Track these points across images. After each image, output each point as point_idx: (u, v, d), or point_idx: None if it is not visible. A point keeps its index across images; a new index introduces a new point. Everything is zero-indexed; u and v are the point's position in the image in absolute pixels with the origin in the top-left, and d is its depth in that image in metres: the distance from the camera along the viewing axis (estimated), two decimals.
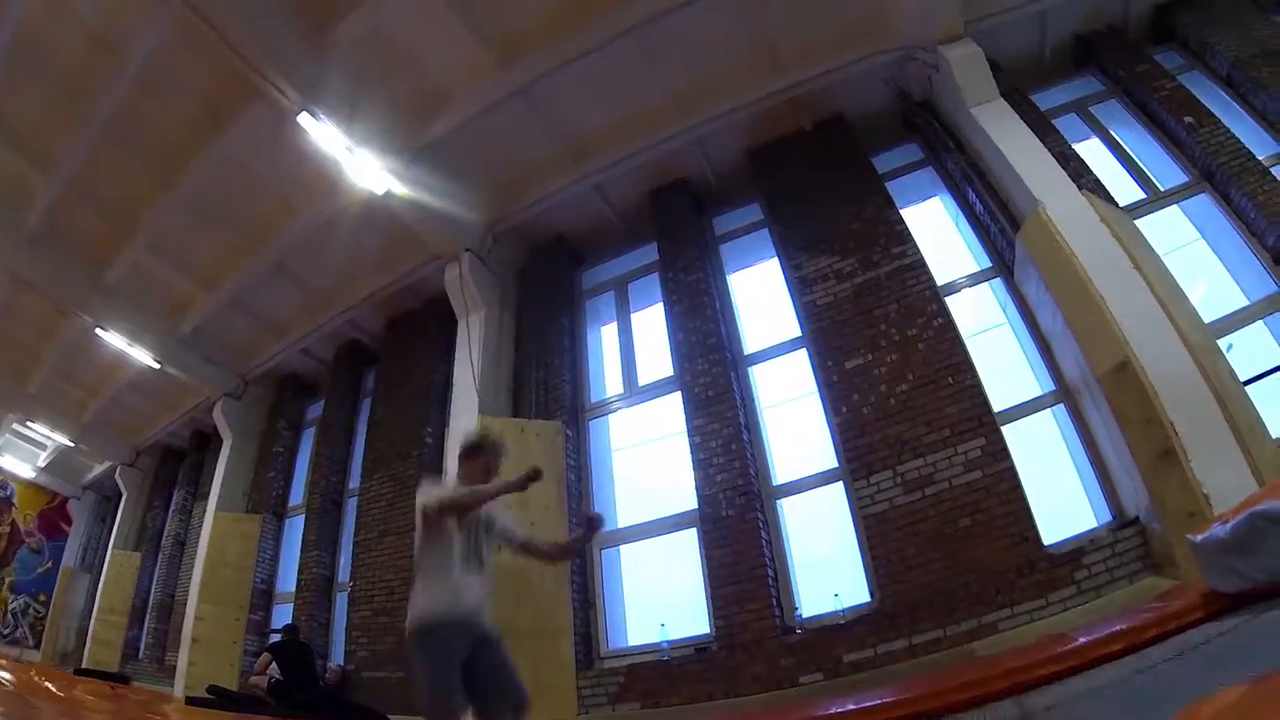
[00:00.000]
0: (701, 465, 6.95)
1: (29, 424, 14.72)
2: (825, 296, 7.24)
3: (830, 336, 7.03)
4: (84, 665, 12.49)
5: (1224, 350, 5.71)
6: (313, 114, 7.11)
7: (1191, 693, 2.41)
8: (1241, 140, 6.85)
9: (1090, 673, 3.41)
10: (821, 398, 6.96)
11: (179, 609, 11.43)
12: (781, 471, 6.99)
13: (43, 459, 16.75)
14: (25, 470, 16.82)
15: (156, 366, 11.45)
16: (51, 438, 15.25)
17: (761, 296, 8.22)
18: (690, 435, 7.19)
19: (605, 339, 9.15)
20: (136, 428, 14.87)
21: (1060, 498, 5.94)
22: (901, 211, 7.47)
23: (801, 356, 7.41)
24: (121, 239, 9.83)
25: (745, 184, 8.81)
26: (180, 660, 9.97)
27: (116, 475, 15.52)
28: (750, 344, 7.90)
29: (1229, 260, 6.68)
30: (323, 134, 7.28)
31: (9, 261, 9.87)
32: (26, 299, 10.81)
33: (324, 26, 7.08)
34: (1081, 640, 3.80)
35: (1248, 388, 5.43)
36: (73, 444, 15.01)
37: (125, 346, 10.99)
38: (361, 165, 7.61)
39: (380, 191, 7.91)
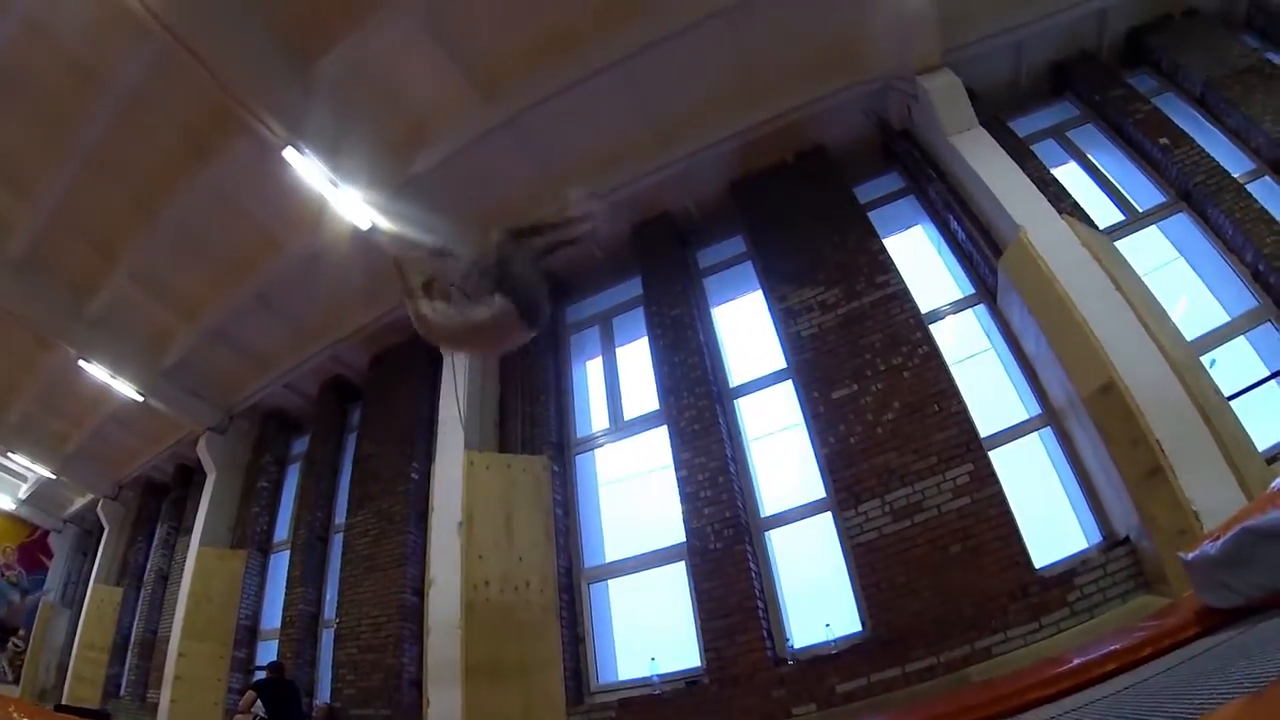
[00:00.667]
0: (689, 498, 6.92)
1: (9, 455, 14.39)
2: (810, 328, 7.27)
3: (816, 367, 7.05)
4: (64, 701, 12.19)
5: (1208, 366, 5.78)
6: (298, 148, 7.12)
7: (1186, 707, 2.40)
8: (1216, 159, 6.98)
9: (1086, 691, 3.40)
10: (808, 428, 6.95)
11: (161, 645, 11.17)
12: (770, 503, 6.98)
13: (23, 491, 16.43)
14: (5, 502, 16.46)
15: (140, 399, 11.29)
16: (32, 469, 14.95)
17: (746, 329, 8.25)
18: (677, 468, 7.17)
19: (590, 374, 9.13)
20: (119, 461, 14.63)
21: (1050, 520, 5.95)
22: (884, 241, 7.55)
23: (787, 388, 7.42)
24: (105, 270, 9.75)
25: (728, 217, 8.86)
26: (163, 698, 9.75)
27: (98, 509, 15.25)
28: (736, 376, 7.91)
29: (1209, 277, 6.77)
30: (307, 168, 7.28)
31: None
32: (8, 328, 10.60)
33: (309, 61, 7.10)
34: (1077, 661, 3.79)
35: (1232, 403, 5.49)
36: (54, 476, 14.71)
37: (108, 379, 10.84)
38: (346, 200, 7.61)
39: (365, 226, 7.89)
